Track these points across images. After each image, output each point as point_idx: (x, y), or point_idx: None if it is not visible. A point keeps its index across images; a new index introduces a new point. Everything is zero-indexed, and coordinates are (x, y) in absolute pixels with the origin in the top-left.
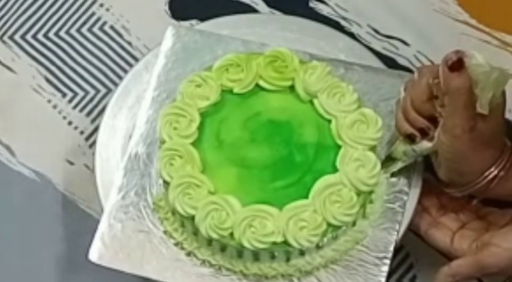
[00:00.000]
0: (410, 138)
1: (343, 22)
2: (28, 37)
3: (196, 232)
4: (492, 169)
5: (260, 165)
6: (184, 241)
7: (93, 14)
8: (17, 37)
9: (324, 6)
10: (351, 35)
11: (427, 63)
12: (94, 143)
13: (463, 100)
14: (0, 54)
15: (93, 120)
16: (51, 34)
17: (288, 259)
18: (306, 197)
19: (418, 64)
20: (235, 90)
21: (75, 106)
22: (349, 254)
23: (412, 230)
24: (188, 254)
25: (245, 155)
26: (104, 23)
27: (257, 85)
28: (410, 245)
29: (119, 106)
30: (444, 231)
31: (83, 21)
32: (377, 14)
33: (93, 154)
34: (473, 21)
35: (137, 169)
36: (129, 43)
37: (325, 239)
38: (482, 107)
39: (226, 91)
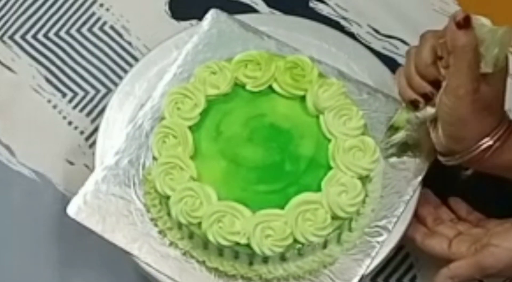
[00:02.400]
0: (414, 105)
1: (343, 22)
2: (28, 37)
3: (169, 213)
4: (487, 139)
5: (250, 165)
6: (159, 219)
7: (93, 14)
8: (17, 37)
9: (324, 6)
10: (351, 35)
11: None
12: (94, 143)
13: (468, 59)
14: (0, 54)
15: (93, 120)
16: (51, 34)
17: (251, 263)
18: (284, 207)
19: None
20: (248, 87)
21: (75, 106)
22: (314, 274)
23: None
24: (160, 232)
25: (238, 151)
26: (104, 23)
27: (270, 87)
28: (410, 245)
29: (119, 106)
30: (441, 238)
31: (83, 21)
32: (377, 14)
33: (93, 154)
34: None
35: (138, 138)
36: (129, 43)
37: (290, 253)
38: (486, 66)
39: (239, 86)
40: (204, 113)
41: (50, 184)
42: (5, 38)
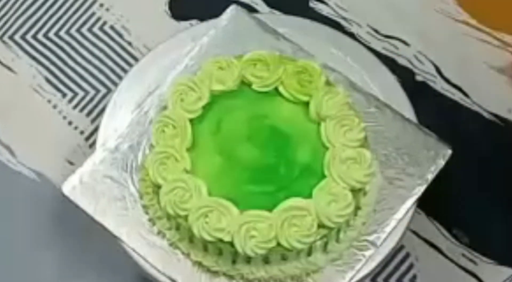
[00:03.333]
0: None
1: (343, 22)
2: (28, 37)
3: (160, 202)
4: None
5: (245, 164)
6: (150, 207)
7: (93, 14)
8: (17, 37)
9: (324, 6)
10: (351, 35)
11: (427, 63)
12: (94, 143)
13: None
14: (0, 54)
15: (93, 120)
16: (51, 34)
17: (233, 261)
18: (272, 210)
19: (418, 64)
20: (254, 86)
21: (75, 106)
22: (296, 280)
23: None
24: (150, 220)
25: (235, 149)
26: (104, 23)
27: (276, 89)
28: (410, 245)
29: (119, 106)
30: None
31: (83, 21)
32: (377, 14)
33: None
34: (473, 21)
35: (142, 125)
36: (129, 43)
37: (273, 256)
38: None
39: (246, 84)
40: (207, 108)
41: (50, 184)
42: (5, 38)
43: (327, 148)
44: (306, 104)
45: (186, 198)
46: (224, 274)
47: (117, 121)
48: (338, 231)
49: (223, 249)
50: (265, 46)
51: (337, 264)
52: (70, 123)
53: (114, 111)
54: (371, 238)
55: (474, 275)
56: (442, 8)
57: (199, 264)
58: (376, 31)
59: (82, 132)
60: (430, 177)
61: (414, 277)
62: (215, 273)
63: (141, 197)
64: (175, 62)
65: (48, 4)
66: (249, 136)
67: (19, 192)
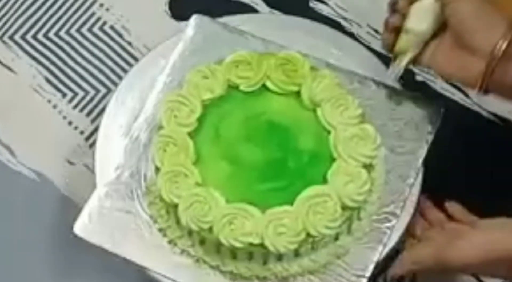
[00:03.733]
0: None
1: (343, 22)
2: (28, 37)
3: (178, 221)
4: (501, 41)
5: (252, 165)
6: (167, 228)
7: (93, 14)
8: (17, 37)
9: (324, 6)
10: (351, 35)
11: None
12: (94, 142)
13: None
14: (0, 54)
15: (93, 120)
16: (51, 34)
17: (265, 262)
18: (292, 203)
19: None
20: (242, 87)
21: (75, 106)
22: (328, 267)
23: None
24: (170, 241)
25: (239, 152)
26: (104, 23)
27: (264, 85)
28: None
29: (119, 106)
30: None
31: (83, 21)
32: (377, 14)
33: (93, 153)
34: None
35: (136, 151)
36: (129, 43)
37: (303, 248)
38: None
39: (233, 87)
40: (201, 118)
41: (50, 184)
42: (5, 38)
43: (328, 131)
44: (297, 93)
45: (206, 211)
46: (258, 278)
47: (111, 152)
48: (359, 209)
49: (254, 252)
50: (236, 47)
51: (364, 242)
52: (70, 123)
53: (104, 142)
54: (389, 209)
55: (474, 274)
56: None
57: (230, 273)
58: (376, 31)
59: (82, 132)
60: (430, 137)
61: (414, 277)
62: (248, 279)
63: (155, 221)
64: (151, 83)
65: (48, 4)
66: (249, 136)
67: (19, 192)
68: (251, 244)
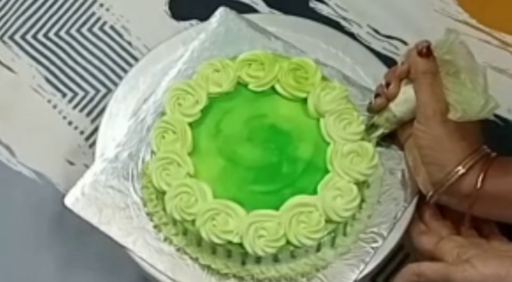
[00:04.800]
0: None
1: (343, 22)
2: (28, 37)
3: (165, 208)
4: (460, 167)
5: (247, 165)
6: (155, 213)
7: (93, 14)
8: (17, 37)
9: (324, 6)
10: (351, 35)
11: None
12: (94, 142)
13: (429, 82)
14: (0, 54)
15: (93, 120)
16: (51, 34)
17: (243, 262)
18: (278, 208)
19: None
20: (250, 86)
21: (75, 106)
22: (306, 277)
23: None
24: (155, 227)
25: (236, 150)
26: (104, 23)
27: (273, 88)
28: (410, 245)
29: (116, 114)
30: (433, 235)
31: (83, 21)
32: (377, 14)
33: (93, 154)
34: (473, 21)
35: (140, 132)
36: (129, 43)
37: (283, 255)
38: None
39: (242, 85)
40: (205, 111)
41: (50, 184)
42: (5, 38)
43: (328, 143)
44: (304, 100)
45: (191, 203)
46: (234, 276)
47: (115, 130)
48: (345, 225)
49: (232, 251)
50: (256, 46)
51: (346, 258)
52: (70, 123)
53: (111, 120)
54: (377, 229)
55: None
56: (442, 8)
57: (208, 267)
58: (376, 31)
59: (82, 132)
60: None
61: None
62: (225, 276)
63: (144, 205)
64: (167, 68)
65: (48, 4)
66: (249, 136)
67: (19, 192)
68: (230, 242)
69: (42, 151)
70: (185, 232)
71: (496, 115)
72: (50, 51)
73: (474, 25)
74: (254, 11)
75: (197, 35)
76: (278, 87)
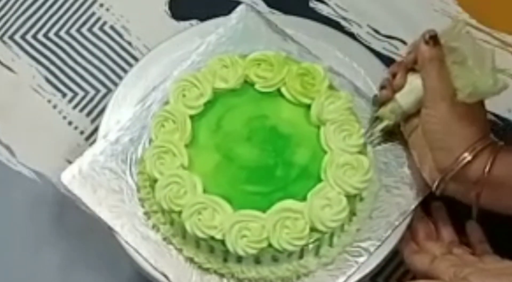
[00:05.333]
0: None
1: (343, 22)
2: (28, 37)
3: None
4: (466, 153)
5: (242, 164)
6: (146, 200)
7: (93, 14)
8: (17, 37)
9: (324, 6)
10: (351, 35)
11: None
12: (94, 143)
13: (437, 69)
14: (0, 54)
15: (93, 120)
16: (51, 34)
17: (225, 260)
18: (266, 211)
19: None
20: (257, 86)
21: (75, 106)
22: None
23: None
24: (145, 213)
25: (233, 148)
26: (104, 23)
27: (278, 90)
28: None
29: (123, 99)
30: (426, 254)
31: (83, 21)
32: (377, 14)
33: None
34: (473, 21)
35: (144, 119)
36: (129, 43)
37: (264, 258)
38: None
39: (249, 84)
40: (208, 105)
41: (50, 184)
42: (5, 38)
43: (325, 152)
44: (308, 107)
45: (181, 194)
46: (215, 272)
47: (120, 114)
48: (332, 235)
49: (215, 247)
50: (272, 46)
51: (328, 269)
52: (70, 123)
53: (118, 104)
54: (364, 244)
55: None
56: (442, 8)
57: (191, 260)
58: (376, 31)
59: (82, 132)
60: (428, 190)
61: (414, 277)
62: (207, 270)
63: (138, 190)
64: (181, 58)
65: (48, 4)
66: (249, 136)
67: (19, 192)
68: (213, 238)
69: (42, 151)
70: (172, 222)
71: (496, 115)
72: (50, 51)
73: (474, 25)
74: None
75: (215, 29)
76: (284, 90)
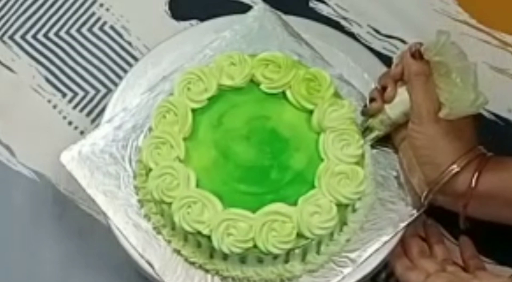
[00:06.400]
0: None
1: (343, 22)
2: (28, 37)
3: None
4: (455, 165)
5: (238, 162)
6: (141, 188)
7: (93, 14)
8: (17, 37)
9: (324, 6)
10: (351, 35)
11: None
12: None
13: (422, 83)
14: (0, 54)
15: (93, 120)
16: (51, 34)
17: (211, 256)
18: (256, 212)
19: None
20: (262, 86)
21: (75, 106)
22: None
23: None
24: (139, 201)
25: (231, 146)
26: (104, 23)
27: (283, 93)
28: None
29: (119, 106)
30: (420, 271)
31: (83, 21)
32: (377, 14)
33: None
34: (473, 21)
35: (150, 107)
36: (129, 43)
37: (250, 258)
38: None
39: (255, 83)
40: (212, 100)
41: (50, 184)
42: (5, 38)
43: (322, 159)
44: (310, 112)
45: (173, 186)
46: (201, 267)
47: (127, 100)
48: (319, 243)
49: (202, 242)
50: (285, 48)
51: (314, 276)
52: (70, 123)
53: (126, 89)
54: (352, 255)
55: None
56: (441, 8)
57: (178, 252)
58: (376, 31)
59: (82, 133)
60: (423, 208)
61: None
62: (192, 264)
63: (135, 178)
64: (194, 51)
65: (48, 4)
66: (248, 135)
67: (19, 192)
68: (199, 233)
69: (42, 151)
70: (162, 213)
71: (496, 115)
72: (50, 51)
73: (474, 25)
74: None
75: (231, 25)
76: (288, 93)
